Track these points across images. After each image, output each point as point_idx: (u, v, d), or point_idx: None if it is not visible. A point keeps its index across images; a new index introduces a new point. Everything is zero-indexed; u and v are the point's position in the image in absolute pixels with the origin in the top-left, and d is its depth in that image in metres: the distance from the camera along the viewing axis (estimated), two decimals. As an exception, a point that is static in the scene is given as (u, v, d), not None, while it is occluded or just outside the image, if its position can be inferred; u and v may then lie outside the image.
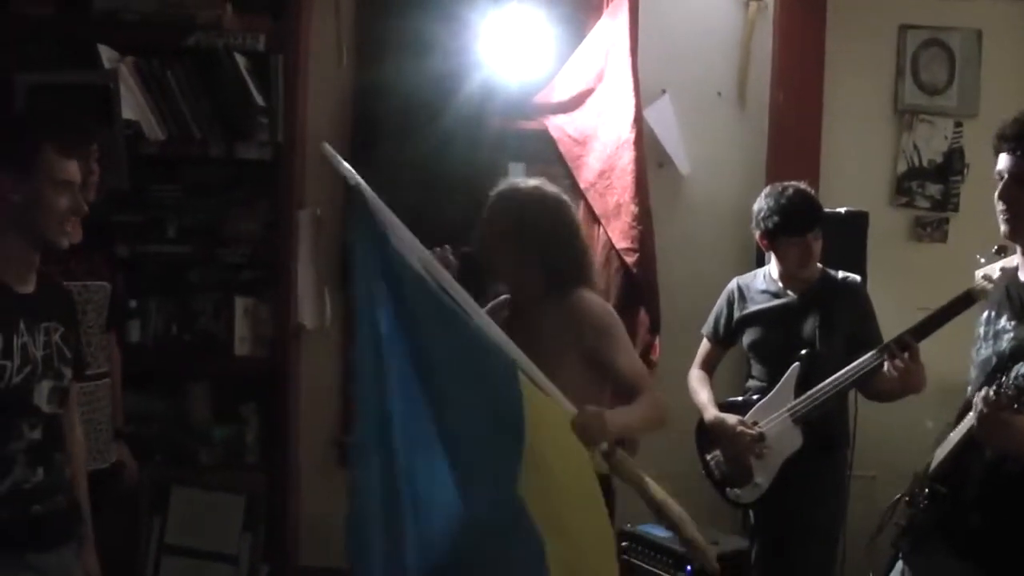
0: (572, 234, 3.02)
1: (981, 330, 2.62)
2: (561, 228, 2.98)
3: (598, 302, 3.02)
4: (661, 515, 2.84)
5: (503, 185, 3.07)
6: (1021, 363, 2.27)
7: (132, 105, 4.09)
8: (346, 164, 2.41)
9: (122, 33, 4.18)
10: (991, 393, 2.29)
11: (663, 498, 2.82)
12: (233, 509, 4.31)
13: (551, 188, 3.06)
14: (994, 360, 2.51)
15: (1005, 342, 2.49)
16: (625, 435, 2.91)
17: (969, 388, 2.63)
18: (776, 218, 3.57)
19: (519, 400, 2.39)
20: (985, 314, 2.63)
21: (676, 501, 2.86)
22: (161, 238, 4.32)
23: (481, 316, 2.54)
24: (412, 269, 2.41)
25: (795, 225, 3.57)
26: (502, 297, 3.11)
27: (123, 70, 4.07)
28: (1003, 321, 2.53)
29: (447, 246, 3.01)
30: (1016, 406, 2.26)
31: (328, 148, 2.37)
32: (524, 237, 2.91)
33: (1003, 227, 2.54)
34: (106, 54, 4.07)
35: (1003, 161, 2.50)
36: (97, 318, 3.38)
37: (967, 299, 3.16)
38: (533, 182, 3.06)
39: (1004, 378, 2.29)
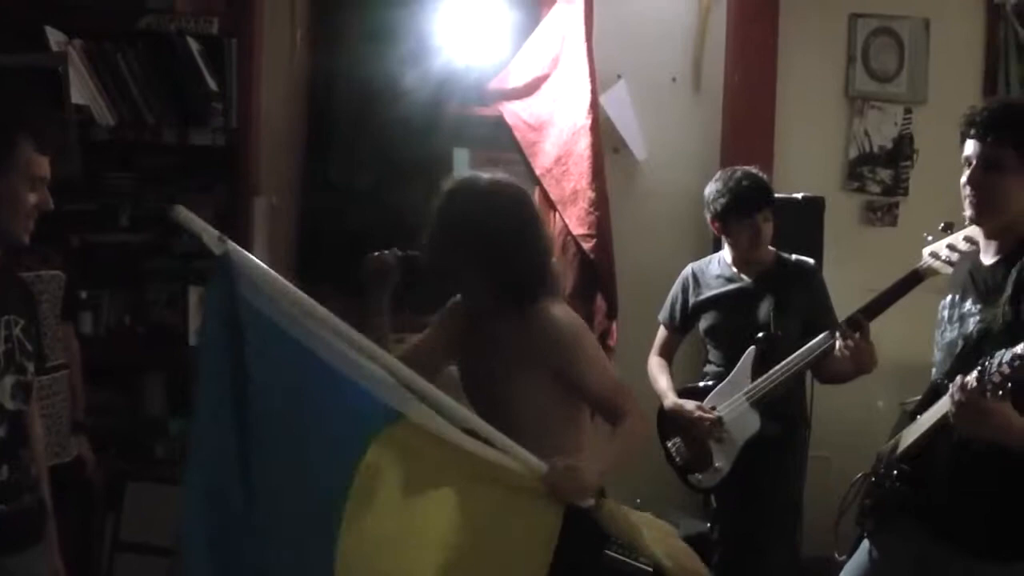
0: (532, 240, 2.63)
1: (945, 313, 2.65)
2: (518, 234, 2.60)
3: (562, 316, 2.64)
4: (660, 567, 2.59)
5: (455, 180, 2.71)
6: (1004, 349, 2.27)
7: (82, 90, 3.98)
8: (209, 228, 2.28)
9: (71, 15, 4.05)
10: (973, 380, 2.28)
11: (664, 545, 2.59)
12: (189, 503, 4.24)
13: (510, 184, 2.71)
14: (960, 343, 2.55)
15: (972, 325, 2.52)
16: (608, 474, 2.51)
17: (934, 371, 2.67)
18: (724, 200, 3.61)
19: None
20: (949, 297, 2.66)
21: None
22: (113, 227, 4.23)
23: (389, 367, 2.30)
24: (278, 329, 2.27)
25: (743, 206, 3.60)
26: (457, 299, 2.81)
27: (72, 53, 3.96)
28: (968, 304, 2.56)
29: (394, 249, 2.77)
30: (1001, 392, 2.24)
31: (183, 211, 2.24)
32: (475, 243, 2.55)
33: (969, 211, 2.57)
34: (54, 37, 3.94)
35: (970, 147, 2.54)
36: (52, 309, 3.31)
37: (915, 278, 3.19)
38: (488, 177, 2.69)
39: (988, 363, 2.26)
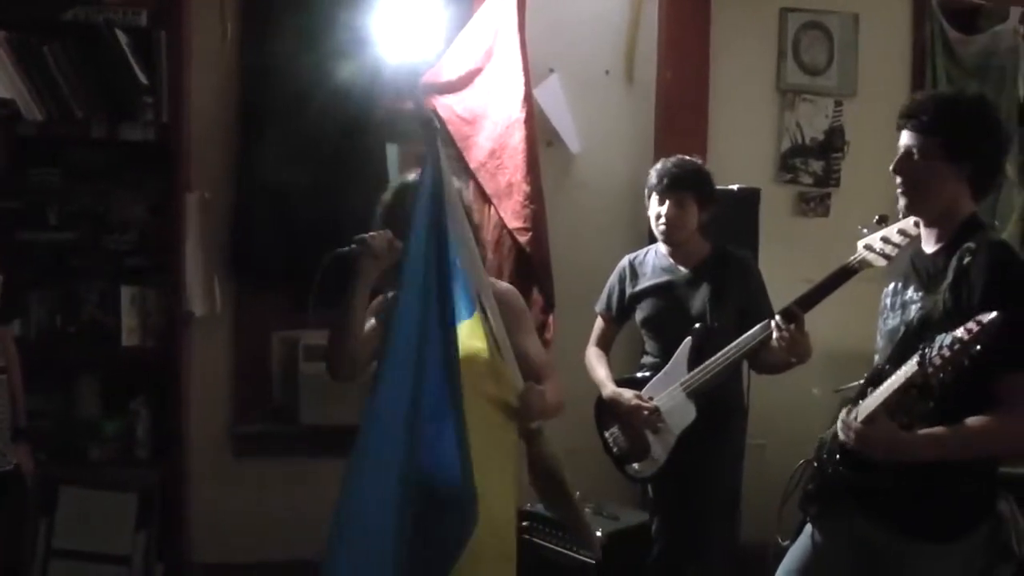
0: (476, 223, 2.99)
1: (888, 300, 2.69)
2: (470, 216, 2.87)
3: (508, 287, 3.04)
4: (561, 499, 2.93)
5: (410, 174, 2.89)
6: (945, 334, 2.32)
7: (7, 83, 3.91)
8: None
9: (-5, 7, 3.98)
10: (916, 362, 2.34)
11: (570, 485, 2.90)
12: (125, 507, 4.15)
13: None
14: (902, 330, 2.58)
15: (913, 312, 2.55)
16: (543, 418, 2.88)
17: (876, 357, 2.71)
18: (649, 178, 3.67)
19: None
20: (892, 285, 2.70)
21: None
22: (42, 224, 4.16)
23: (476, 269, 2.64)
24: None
25: (655, 186, 3.65)
26: (391, 295, 2.85)
27: (-5, 46, 3.89)
28: (910, 292, 2.60)
29: (386, 230, 2.76)
30: (942, 375, 2.30)
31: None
32: None
33: (901, 200, 2.63)
34: (-25, 29, 3.88)
35: (903, 137, 2.60)
36: None
37: (849, 270, 3.22)
38: None
39: (928, 348, 2.32)
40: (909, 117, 2.58)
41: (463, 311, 2.63)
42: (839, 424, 2.56)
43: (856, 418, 2.49)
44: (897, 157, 2.60)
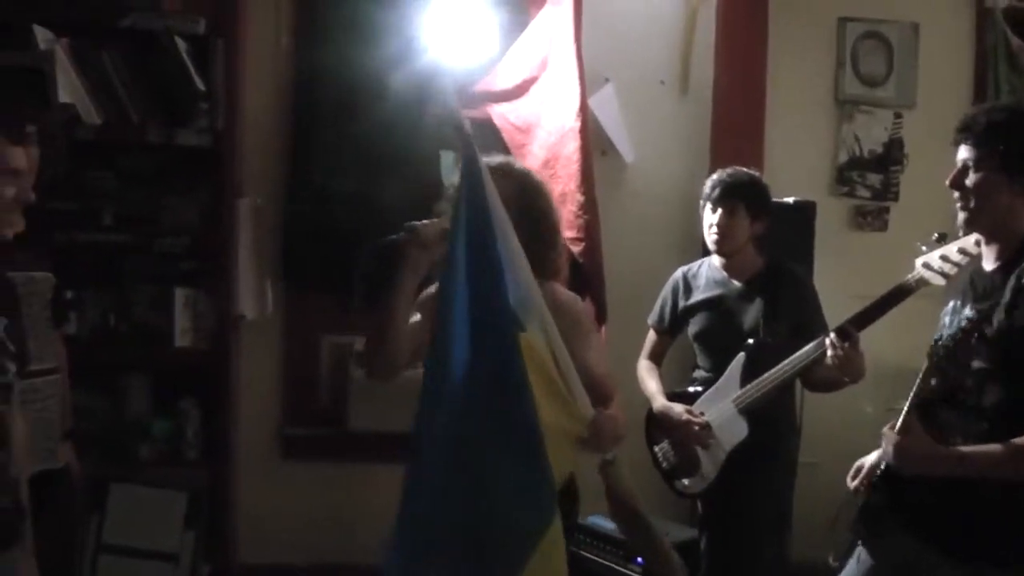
0: (557, 220, 2.89)
1: (946, 319, 2.66)
2: (551, 210, 2.85)
3: (572, 297, 2.93)
4: (639, 531, 2.81)
5: (493, 158, 2.83)
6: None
7: (68, 88, 3.95)
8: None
9: (57, 13, 4.02)
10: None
11: (650, 523, 2.80)
12: (173, 506, 4.18)
13: (531, 169, 2.97)
14: (952, 345, 2.55)
15: (965, 322, 2.52)
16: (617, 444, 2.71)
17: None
18: (703, 188, 3.67)
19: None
20: (951, 304, 2.67)
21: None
22: (97, 226, 4.19)
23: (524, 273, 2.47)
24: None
25: (709, 195, 3.63)
26: (432, 289, 2.80)
27: (58, 52, 3.92)
28: (967, 310, 2.56)
29: (435, 219, 2.68)
30: (943, 368, 2.41)
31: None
32: (516, 211, 2.58)
33: (960, 216, 2.60)
34: (41, 35, 3.91)
35: (960, 152, 2.57)
36: (43, 310, 3.24)
37: (906, 288, 3.19)
38: (516, 161, 2.98)
39: (936, 343, 2.42)
40: (965, 131, 2.55)
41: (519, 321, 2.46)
42: (883, 440, 2.53)
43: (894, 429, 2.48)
44: (953, 171, 2.57)
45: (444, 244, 2.49)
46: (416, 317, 2.75)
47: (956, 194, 2.58)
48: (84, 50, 4.01)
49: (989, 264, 2.60)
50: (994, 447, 2.37)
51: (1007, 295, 2.44)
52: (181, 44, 4.07)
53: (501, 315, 2.31)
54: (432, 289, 2.80)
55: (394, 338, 2.65)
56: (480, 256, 2.29)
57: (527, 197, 2.76)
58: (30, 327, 3.04)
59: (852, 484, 2.75)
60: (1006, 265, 2.52)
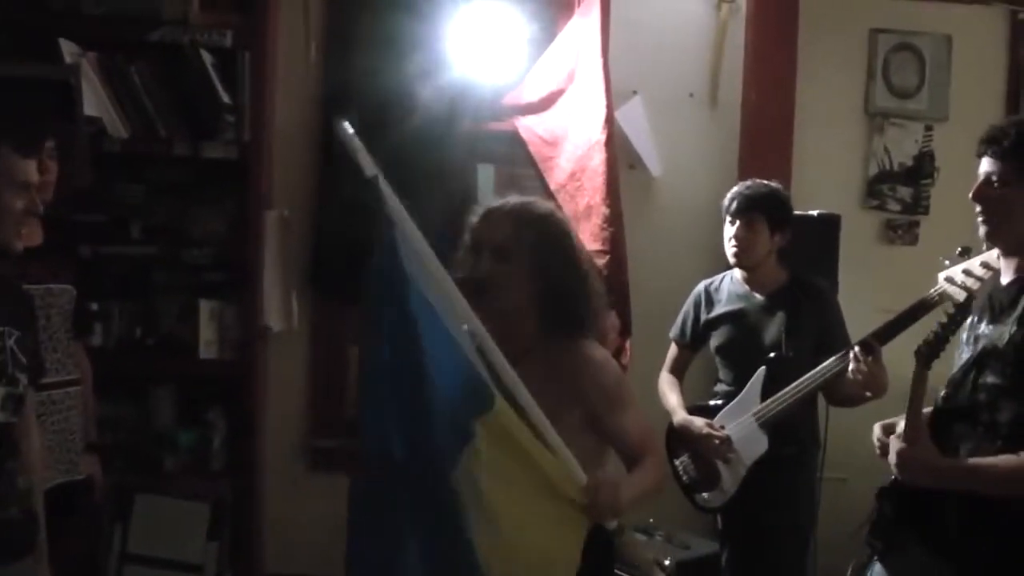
0: (588, 269, 2.66)
1: (964, 335, 2.62)
2: (577, 260, 2.60)
3: (603, 359, 2.61)
4: None
5: (509, 199, 2.65)
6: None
7: (94, 101, 3.99)
8: (363, 149, 2.18)
9: (84, 27, 4.08)
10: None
11: None
12: (198, 517, 4.19)
13: (564, 213, 2.77)
14: (968, 361, 2.52)
15: (981, 345, 2.48)
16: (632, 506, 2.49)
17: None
18: (724, 202, 3.63)
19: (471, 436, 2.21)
20: (970, 320, 2.63)
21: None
22: (124, 239, 4.23)
23: (479, 337, 2.26)
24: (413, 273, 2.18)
25: (728, 207, 3.61)
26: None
27: (85, 65, 3.97)
28: (983, 326, 2.53)
29: None
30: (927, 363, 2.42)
31: (344, 128, 2.16)
32: (537, 260, 2.51)
33: (982, 229, 2.56)
34: (67, 48, 3.96)
35: (983, 164, 2.53)
36: (63, 323, 3.28)
37: (929, 303, 3.17)
38: (543, 202, 2.72)
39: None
40: (989, 143, 2.51)
41: (477, 403, 2.23)
42: (889, 449, 2.49)
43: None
44: (976, 184, 2.54)
45: None
46: None
47: (978, 207, 2.54)
48: (111, 63, 4.06)
49: (1006, 278, 2.56)
50: (1003, 460, 2.33)
51: (1020, 308, 2.41)
52: (207, 57, 4.10)
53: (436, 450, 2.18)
54: None
55: None
56: (408, 358, 2.13)
57: (556, 242, 2.57)
58: (47, 339, 3.07)
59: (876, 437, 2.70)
60: (1021, 278, 2.49)
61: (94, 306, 4.03)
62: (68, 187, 3.32)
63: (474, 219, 2.61)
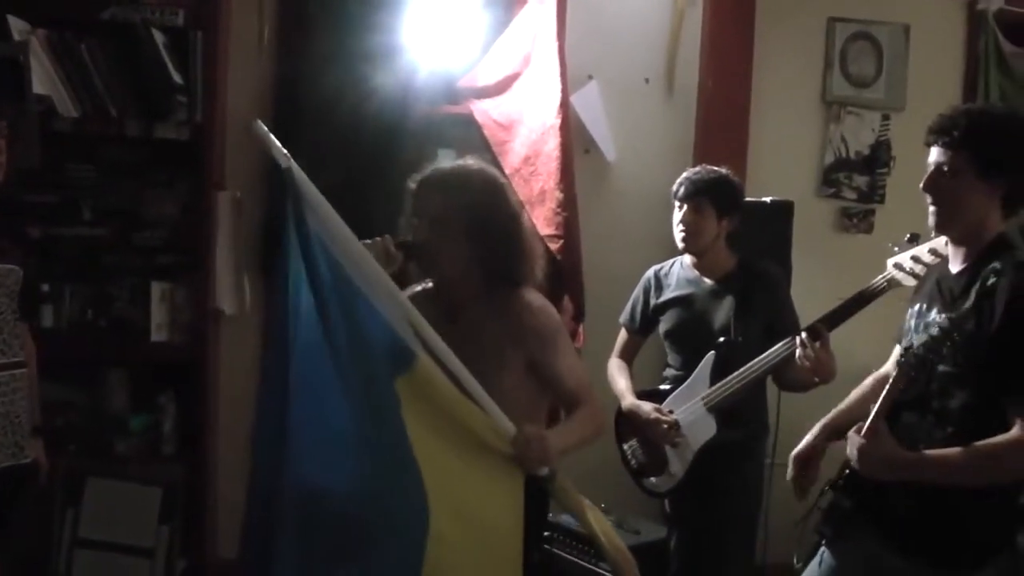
0: (519, 224, 2.79)
1: (912, 323, 2.63)
2: (509, 217, 2.75)
3: (541, 304, 2.78)
4: (597, 546, 2.74)
5: (441, 166, 2.82)
6: (921, 334, 2.39)
7: (44, 80, 3.94)
8: (277, 143, 2.30)
9: (33, 4, 4.01)
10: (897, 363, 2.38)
11: (603, 529, 2.73)
12: (150, 501, 4.17)
13: (494, 170, 2.86)
14: (921, 351, 2.52)
15: (934, 332, 2.49)
16: (564, 455, 2.63)
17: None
18: (673, 186, 3.64)
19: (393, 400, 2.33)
20: (916, 306, 2.65)
21: (615, 534, 2.81)
22: (75, 220, 4.19)
23: (402, 308, 2.40)
24: (329, 253, 2.32)
25: (677, 192, 3.61)
26: (420, 287, 2.85)
27: (34, 43, 3.91)
28: (933, 314, 2.54)
29: (388, 236, 2.69)
30: (914, 374, 2.38)
31: (259, 125, 2.27)
32: (470, 224, 2.66)
33: (932, 219, 2.57)
34: (16, 25, 3.89)
35: (932, 154, 2.55)
36: (9, 303, 3.24)
37: (876, 291, 3.19)
38: (474, 163, 2.83)
39: (908, 350, 2.39)
40: (939, 133, 2.52)
41: (397, 365, 2.38)
42: (848, 443, 2.50)
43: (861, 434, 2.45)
44: (927, 174, 2.54)
45: (392, 263, 2.59)
46: None
47: (929, 197, 2.55)
48: (61, 41, 3.99)
49: (955, 266, 2.57)
50: (955, 451, 2.35)
51: (972, 298, 2.41)
52: (159, 36, 4.05)
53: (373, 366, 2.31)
54: (415, 288, 2.84)
55: None
56: (330, 305, 2.26)
57: (487, 204, 2.71)
58: None
59: (789, 476, 2.78)
60: (973, 267, 2.50)
61: (45, 288, 4.00)
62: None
63: (411, 187, 2.78)
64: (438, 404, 2.40)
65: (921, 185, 2.55)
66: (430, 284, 2.84)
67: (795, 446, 4.16)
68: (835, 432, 2.80)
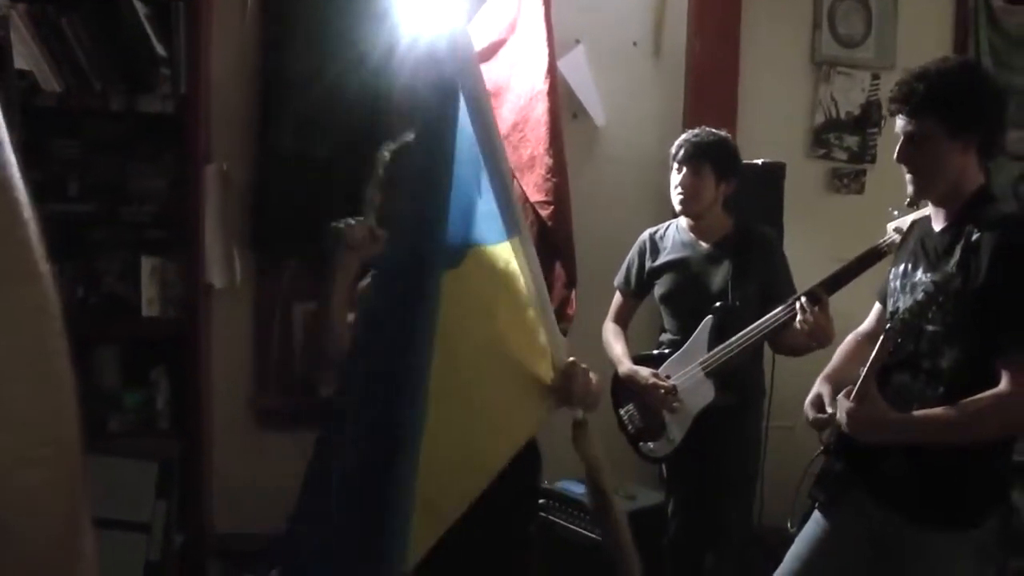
0: None
1: (897, 283, 2.62)
2: None
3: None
4: (600, 508, 2.68)
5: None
6: (907, 297, 2.40)
7: (25, 55, 3.88)
8: None
9: (14, -21, 3.96)
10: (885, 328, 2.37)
11: (609, 493, 2.67)
12: (145, 476, 4.14)
13: None
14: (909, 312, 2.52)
15: (920, 293, 2.47)
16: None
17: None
18: (671, 148, 3.60)
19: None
20: (901, 266, 2.63)
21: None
22: (62, 196, 4.13)
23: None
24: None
25: (675, 154, 3.57)
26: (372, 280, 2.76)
27: (14, 17, 3.84)
28: (919, 274, 2.53)
29: (359, 218, 2.67)
30: (900, 340, 2.39)
31: None
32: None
33: (909, 187, 2.56)
34: (-5, 1, 3.87)
35: (898, 123, 2.53)
36: None
37: (877, 253, 3.17)
38: None
39: (894, 315, 2.40)
40: (901, 102, 2.49)
41: (498, 231, 2.28)
42: (837, 407, 2.50)
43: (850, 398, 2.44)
44: (899, 145, 2.53)
45: (376, 245, 2.52)
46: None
47: (903, 167, 2.54)
48: (42, 15, 3.92)
49: (938, 224, 2.56)
50: (944, 410, 2.35)
51: (957, 254, 2.40)
52: (141, 8, 3.99)
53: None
54: (369, 281, 2.75)
55: (332, 337, 2.62)
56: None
57: None
58: None
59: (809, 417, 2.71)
60: (955, 223, 2.49)
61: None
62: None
63: (385, 155, 2.75)
64: (491, 301, 2.29)
65: (895, 157, 2.54)
66: None
67: (790, 408, 4.20)
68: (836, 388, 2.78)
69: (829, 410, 2.61)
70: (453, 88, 2.15)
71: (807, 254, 3.91)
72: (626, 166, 4.69)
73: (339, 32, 4.29)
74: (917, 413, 2.38)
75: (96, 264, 4.22)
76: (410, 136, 2.73)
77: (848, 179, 4.92)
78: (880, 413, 2.40)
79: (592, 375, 2.49)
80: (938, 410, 2.35)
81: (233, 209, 4.40)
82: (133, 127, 4.17)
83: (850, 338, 2.91)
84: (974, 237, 2.37)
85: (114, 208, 4.15)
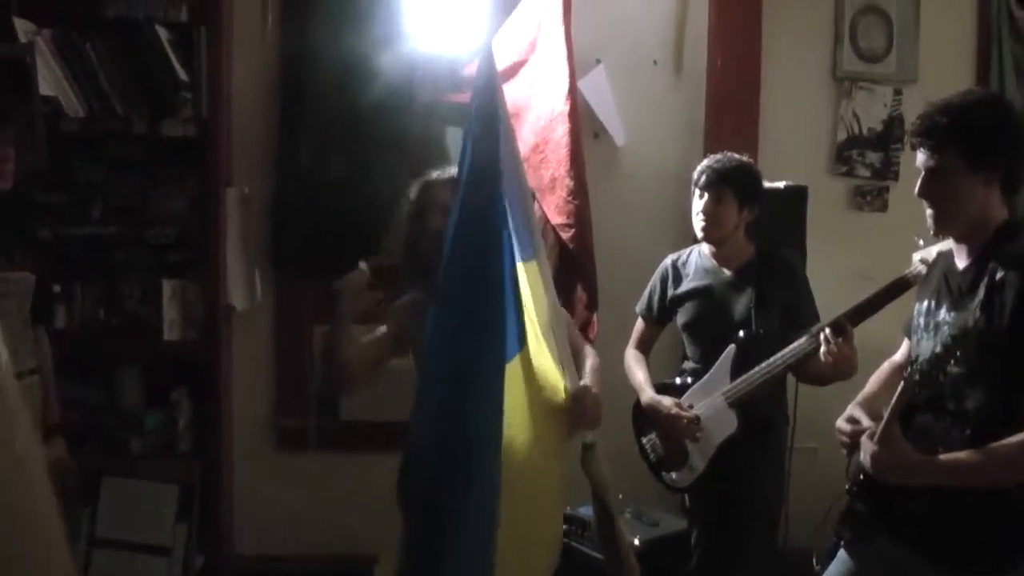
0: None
1: (921, 320, 2.58)
2: None
3: None
4: (605, 528, 2.76)
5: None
6: (930, 341, 2.39)
7: (50, 81, 3.92)
8: None
9: (38, 4, 3.99)
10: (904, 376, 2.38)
11: (615, 513, 2.76)
12: (166, 499, 4.16)
13: None
14: (934, 352, 2.49)
15: (945, 333, 2.45)
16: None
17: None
18: (693, 174, 3.58)
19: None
20: (925, 303, 2.60)
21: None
22: (85, 219, 4.17)
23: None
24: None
25: (697, 180, 3.55)
26: (407, 299, 2.93)
27: (40, 44, 3.89)
28: (943, 312, 2.49)
29: (361, 264, 2.80)
30: (919, 390, 2.37)
31: None
32: None
33: (929, 221, 2.52)
34: (22, 27, 3.88)
35: (919, 158, 2.49)
36: (19, 311, 3.21)
37: (903, 283, 3.13)
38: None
39: (915, 363, 2.40)
40: (922, 136, 2.45)
41: (520, 252, 2.49)
42: (861, 449, 2.47)
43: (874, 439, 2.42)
44: (920, 180, 2.49)
45: (371, 297, 2.70)
46: (382, 329, 2.86)
47: (924, 203, 2.50)
48: (66, 41, 3.97)
49: (962, 261, 2.52)
50: (971, 454, 2.31)
51: (981, 293, 2.37)
52: (163, 33, 4.02)
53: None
54: (404, 299, 2.90)
55: (339, 369, 2.77)
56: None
57: None
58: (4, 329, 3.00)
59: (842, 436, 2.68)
60: (979, 259, 2.45)
61: (56, 288, 3.98)
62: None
63: (412, 192, 2.90)
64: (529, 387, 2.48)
65: (916, 192, 2.50)
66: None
67: (814, 431, 4.19)
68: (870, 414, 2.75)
69: (864, 423, 2.58)
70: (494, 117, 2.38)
71: (830, 272, 3.89)
72: (647, 185, 4.66)
73: (358, 51, 4.28)
74: (943, 456, 2.35)
75: (118, 286, 4.25)
76: (449, 171, 2.85)
77: (871, 196, 4.87)
78: (904, 455, 2.37)
79: (595, 392, 2.69)
80: (965, 453, 2.32)
81: (254, 231, 4.41)
82: (155, 150, 4.21)
83: (886, 365, 2.87)
84: (998, 276, 2.34)
85: (136, 230, 4.18)
